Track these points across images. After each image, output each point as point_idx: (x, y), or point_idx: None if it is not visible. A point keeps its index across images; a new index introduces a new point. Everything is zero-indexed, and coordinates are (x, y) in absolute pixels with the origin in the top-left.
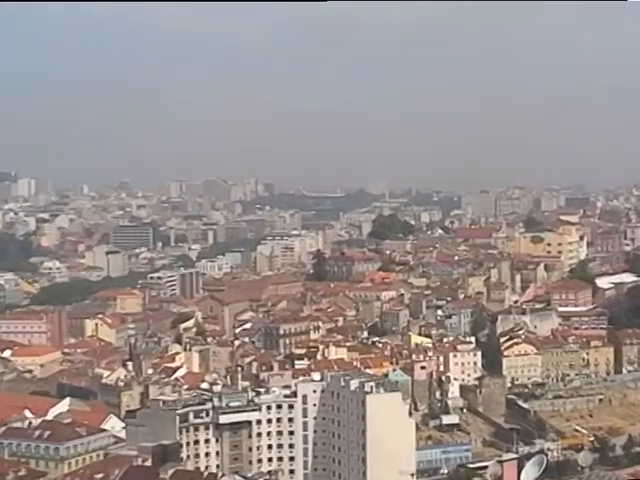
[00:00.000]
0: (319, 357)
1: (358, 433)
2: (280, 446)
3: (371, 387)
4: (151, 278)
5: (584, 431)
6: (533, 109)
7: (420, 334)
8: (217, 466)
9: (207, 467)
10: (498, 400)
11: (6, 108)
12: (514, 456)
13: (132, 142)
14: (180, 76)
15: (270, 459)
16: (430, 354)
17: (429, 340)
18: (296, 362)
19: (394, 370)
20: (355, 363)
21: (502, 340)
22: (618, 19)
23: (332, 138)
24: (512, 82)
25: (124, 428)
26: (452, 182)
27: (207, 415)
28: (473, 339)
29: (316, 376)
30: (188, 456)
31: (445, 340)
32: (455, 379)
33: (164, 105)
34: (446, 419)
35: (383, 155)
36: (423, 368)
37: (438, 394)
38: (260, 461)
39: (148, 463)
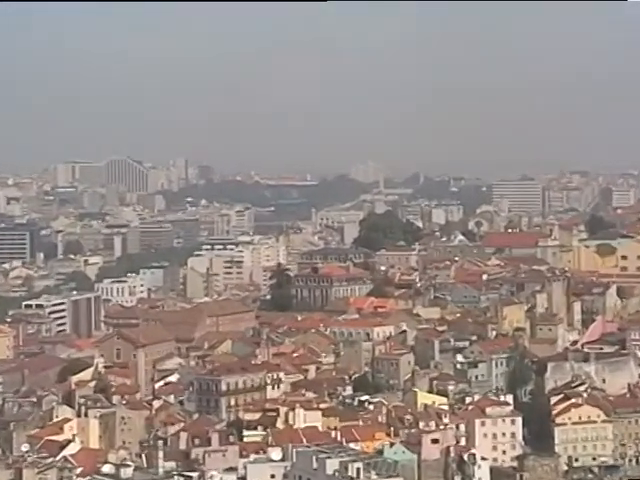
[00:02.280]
0: (280, 425)
1: None
2: None
3: (358, 470)
4: (28, 307)
5: None
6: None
7: (431, 391)
8: None
9: None
10: None
11: None
12: None
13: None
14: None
15: None
16: (446, 420)
17: (444, 400)
18: (245, 433)
19: (392, 444)
20: (334, 434)
21: (554, 401)
22: None
23: (300, 105)
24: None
25: None
26: (479, 164)
27: None
28: (511, 398)
29: (275, 453)
30: None
31: (468, 400)
32: (484, 458)
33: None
34: None
35: (375, 127)
36: (435, 441)
37: None
38: None
39: None
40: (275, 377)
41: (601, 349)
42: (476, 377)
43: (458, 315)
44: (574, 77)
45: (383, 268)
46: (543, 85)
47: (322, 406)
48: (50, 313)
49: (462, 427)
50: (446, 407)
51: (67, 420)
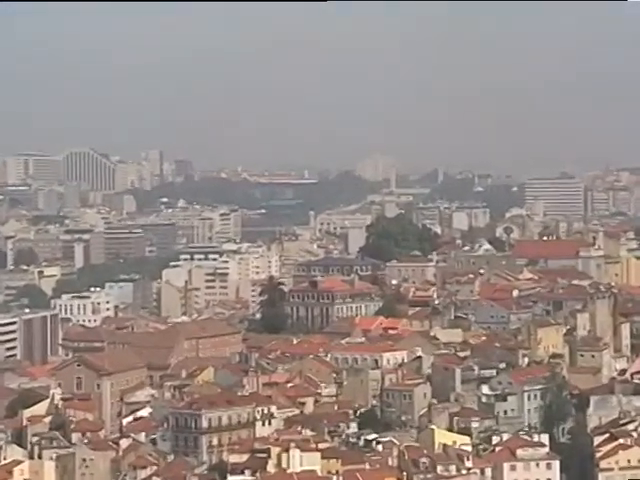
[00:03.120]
0: (271, 469)
1: None
2: None
3: None
4: None
5: None
6: None
7: (451, 429)
8: None
9: None
10: None
11: None
12: None
13: None
14: None
15: None
16: (469, 464)
17: (467, 439)
18: (230, 478)
19: None
20: (335, 479)
21: (598, 441)
22: None
23: (298, 100)
24: None
25: None
26: (509, 160)
27: None
28: (546, 438)
29: None
30: None
31: (496, 440)
32: None
33: None
34: None
35: (385, 120)
36: None
37: None
38: None
39: None
40: (266, 411)
41: None
42: (505, 412)
43: (483, 338)
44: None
45: (394, 282)
46: (581, 79)
47: (321, 446)
48: None
49: (488, 472)
50: (469, 448)
51: (17, 462)
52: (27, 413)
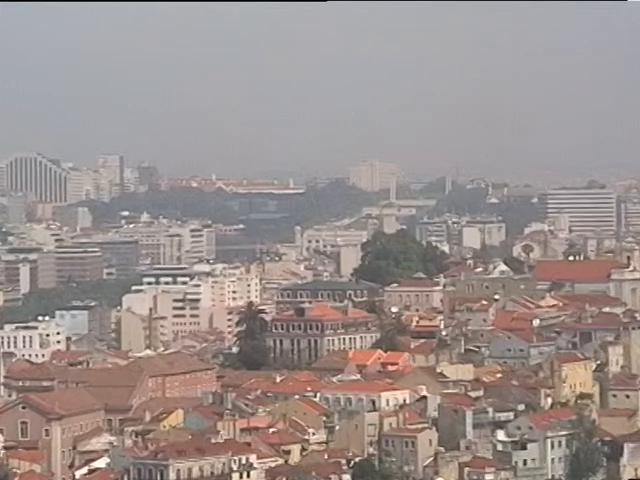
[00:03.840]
0: None
1: None
2: None
3: None
4: None
5: None
6: None
7: None
8: None
9: None
10: None
11: None
12: None
13: None
14: None
15: None
16: None
17: None
18: None
19: None
20: None
21: None
22: None
23: (284, 90)
24: None
25: None
26: (528, 166)
27: None
28: None
29: None
30: None
31: None
32: None
33: None
34: None
35: (385, 118)
36: None
37: None
38: None
39: None
40: (244, 461)
41: None
42: (524, 462)
43: (499, 376)
44: None
45: (395, 310)
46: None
47: None
48: None
49: None
50: None
51: None
52: None
